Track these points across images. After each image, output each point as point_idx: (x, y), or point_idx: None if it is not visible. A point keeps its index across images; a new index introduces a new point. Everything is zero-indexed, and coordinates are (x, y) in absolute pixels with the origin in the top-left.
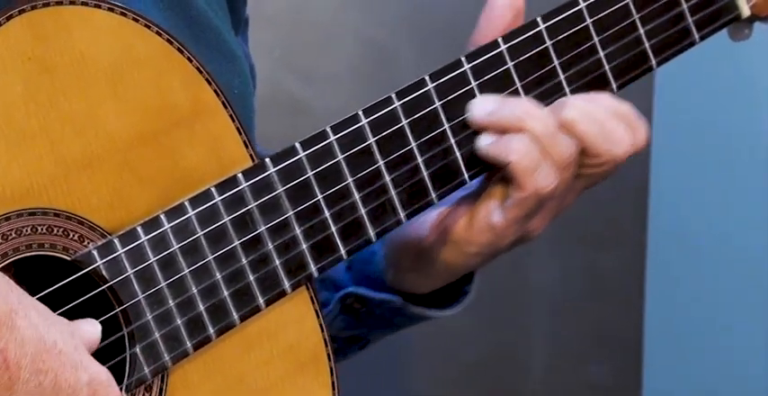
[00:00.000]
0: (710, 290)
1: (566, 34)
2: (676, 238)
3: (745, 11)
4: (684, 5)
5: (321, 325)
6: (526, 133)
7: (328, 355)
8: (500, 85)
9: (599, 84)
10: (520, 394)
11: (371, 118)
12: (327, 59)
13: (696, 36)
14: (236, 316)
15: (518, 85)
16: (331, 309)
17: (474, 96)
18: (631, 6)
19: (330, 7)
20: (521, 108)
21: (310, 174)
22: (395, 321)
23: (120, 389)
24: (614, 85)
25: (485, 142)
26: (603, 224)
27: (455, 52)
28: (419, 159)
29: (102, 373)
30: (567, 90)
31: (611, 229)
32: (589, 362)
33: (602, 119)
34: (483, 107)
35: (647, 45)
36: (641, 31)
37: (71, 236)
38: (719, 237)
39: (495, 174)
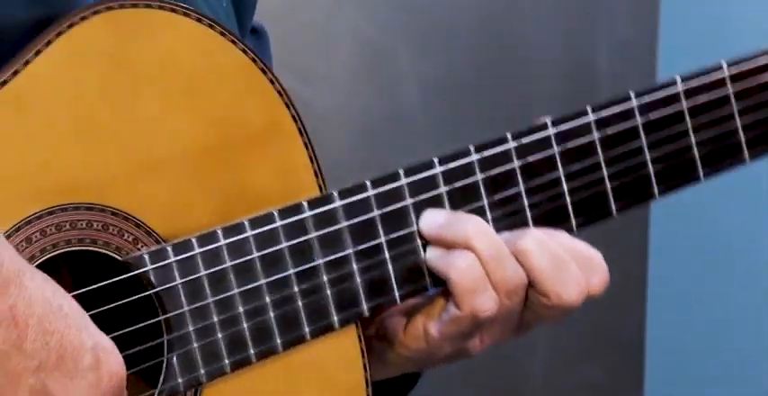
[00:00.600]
0: (712, 290)
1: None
2: (678, 239)
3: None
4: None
5: (365, 365)
6: (472, 252)
7: (368, 394)
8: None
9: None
10: (520, 394)
11: (446, 167)
12: (324, 59)
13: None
14: (279, 341)
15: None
16: None
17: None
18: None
19: (327, 7)
20: (472, 226)
21: (376, 213)
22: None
23: (152, 395)
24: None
25: (432, 254)
26: (604, 225)
27: (451, 52)
28: (489, 215)
29: (107, 340)
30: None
31: (613, 229)
32: (590, 362)
33: (559, 256)
34: (434, 220)
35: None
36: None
37: (125, 236)
38: (721, 237)
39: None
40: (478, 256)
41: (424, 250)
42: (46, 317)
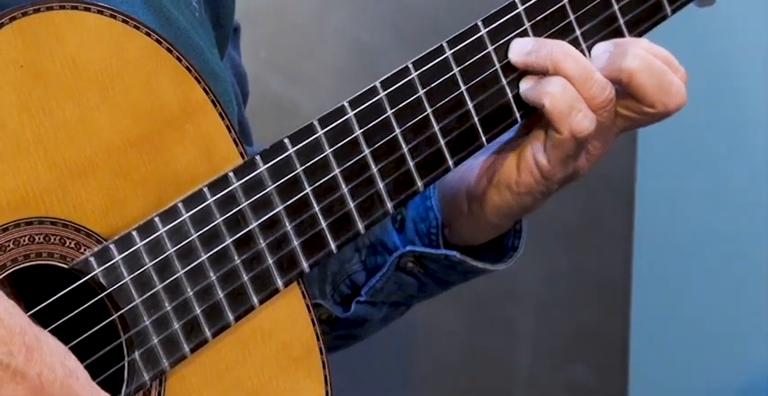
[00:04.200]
0: (696, 291)
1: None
2: (662, 239)
3: None
4: (615, 6)
5: (313, 319)
6: (561, 76)
7: (320, 348)
8: (481, 70)
9: None
10: (504, 394)
11: (357, 109)
12: (313, 60)
13: (668, 9)
14: (231, 317)
15: (497, 66)
16: (385, 271)
17: (456, 82)
18: (567, 7)
19: (315, 8)
20: (558, 49)
21: (300, 169)
22: (448, 279)
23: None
24: None
25: (525, 86)
26: (589, 225)
27: None
28: (404, 148)
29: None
30: None
31: (597, 230)
32: (575, 363)
33: (658, 68)
34: (521, 48)
35: (621, 22)
36: (615, 7)
37: (68, 243)
38: (705, 237)
39: (533, 120)
40: (568, 78)
41: (512, 89)
42: (66, 381)
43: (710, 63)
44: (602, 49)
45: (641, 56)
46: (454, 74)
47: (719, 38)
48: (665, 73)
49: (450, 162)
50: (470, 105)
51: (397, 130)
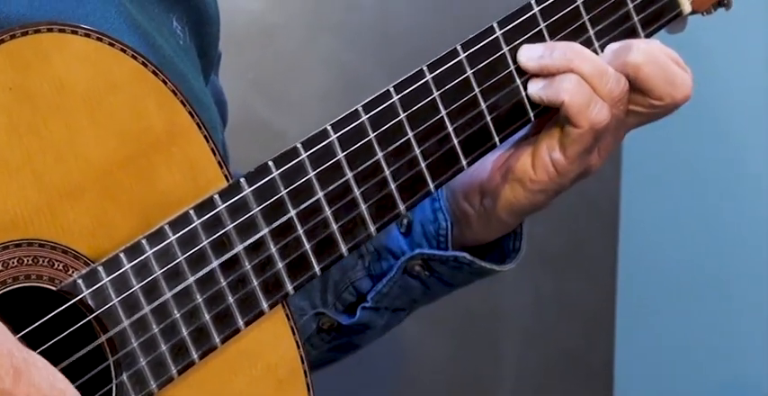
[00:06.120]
0: (680, 315)
1: (522, 39)
2: (646, 265)
3: (687, 8)
4: (630, 5)
5: (297, 342)
6: (575, 73)
7: (305, 371)
8: (459, 95)
9: None
10: None
11: (340, 132)
12: (298, 85)
13: (642, 34)
14: (217, 339)
15: (476, 90)
16: (392, 275)
17: (436, 105)
18: (581, 8)
19: (302, 34)
20: (570, 50)
21: (284, 192)
22: (453, 281)
23: None
24: None
25: (536, 87)
26: (574, 249)
27: None
28: (387, 171)
29: None
30: None
31: (582, 255)
32: (558, 388)
33: (663, 61)
34: (532, 53)
35: (596, 45)
36: (591, 32)
37: (56, 266)
38: (689, 262)
39: (545, 118)
40: (581, 75)
41: (524, 87)
42: None
43: (697, 87)
44: (609, 48)
45: (645, 49)
46: (434, 97)
47: (705, 63)
48: (669, 65)
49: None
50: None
51: (380, 154)
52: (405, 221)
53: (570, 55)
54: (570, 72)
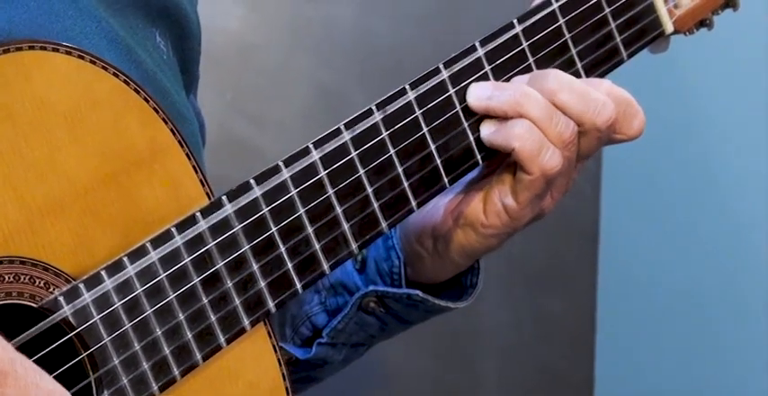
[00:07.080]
0: (660, 334)
1: (505, 58)
2: (626, 282)
3: (669, 28)
4: (612, 25)
5: (279, 360)
6: (525, 118)
7: (287, 388)
8: (442, 113)
9: None
10: None
11: (322, 151)
12: (278, 104)
13: (624, 54)
14: (199, 356)
15: (458, 108)
16: (347, 312)
17: (419, 124)
18: (563, 27)
19: (282, 52)
20: (519, 92)
21: (265, 210)
22: (409, 318)
23: None
24: None
25: (487, 131)
26: (553, 268)
27: None
28: (369, 190)
29: None
30: None
31: (561, 273)
32: None
33: (626, 100)
34: (481, 93)
35: (579, 65)
36: (573, 51)
37: (37, 283)
38: (669, 279)
39: (497, 160)
40: (532, 120)
41: (473, 131)
42: None
43: (676, 109)
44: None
45: (607, 88)
46: (417, 116)
47: (686, 84)
48: (629, 104)
49: (414, 203)
50: (432, 148)
51: (362, 172)
52: (359, 258)
53: (519, 98)
54: (520, 116)
